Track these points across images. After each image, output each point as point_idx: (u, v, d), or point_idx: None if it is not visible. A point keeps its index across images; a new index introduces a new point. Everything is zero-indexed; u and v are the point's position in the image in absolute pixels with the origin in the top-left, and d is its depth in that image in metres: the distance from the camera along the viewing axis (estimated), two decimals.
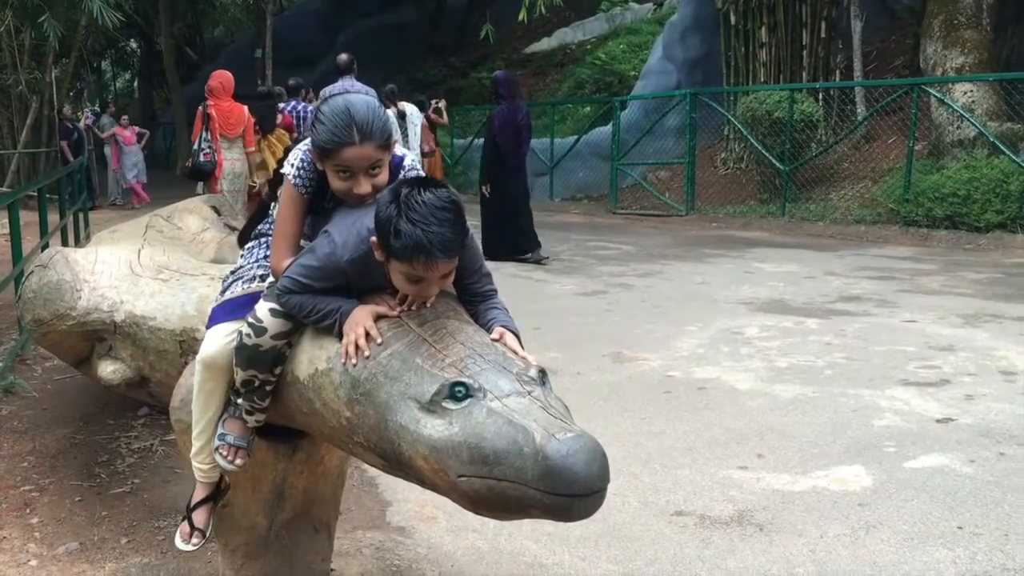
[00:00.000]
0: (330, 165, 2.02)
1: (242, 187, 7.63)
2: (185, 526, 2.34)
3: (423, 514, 3.25)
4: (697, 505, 3.28)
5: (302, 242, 2.17)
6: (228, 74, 7.70)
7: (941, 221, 9.84)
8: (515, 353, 1.82)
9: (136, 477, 3.61)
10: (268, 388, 2.11)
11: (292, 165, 2.13)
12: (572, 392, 4.43)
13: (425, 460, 1.69)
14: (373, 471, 3.37)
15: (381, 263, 1.89)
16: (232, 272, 2.35)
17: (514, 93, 8.84)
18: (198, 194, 6.58)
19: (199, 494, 2.35)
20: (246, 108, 7.68)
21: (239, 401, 2.17)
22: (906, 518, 3.11)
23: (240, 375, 2.10)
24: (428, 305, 1.94)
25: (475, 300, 2.04)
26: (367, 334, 1.85)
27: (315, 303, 1.95)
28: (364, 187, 1.99)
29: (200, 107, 7.64)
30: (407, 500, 3.35)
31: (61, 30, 14.01)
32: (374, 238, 1.86)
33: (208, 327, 2.21)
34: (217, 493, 2.39)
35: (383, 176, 2.02)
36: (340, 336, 1.91)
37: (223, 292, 2.26)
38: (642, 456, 3.74)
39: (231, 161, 7.56)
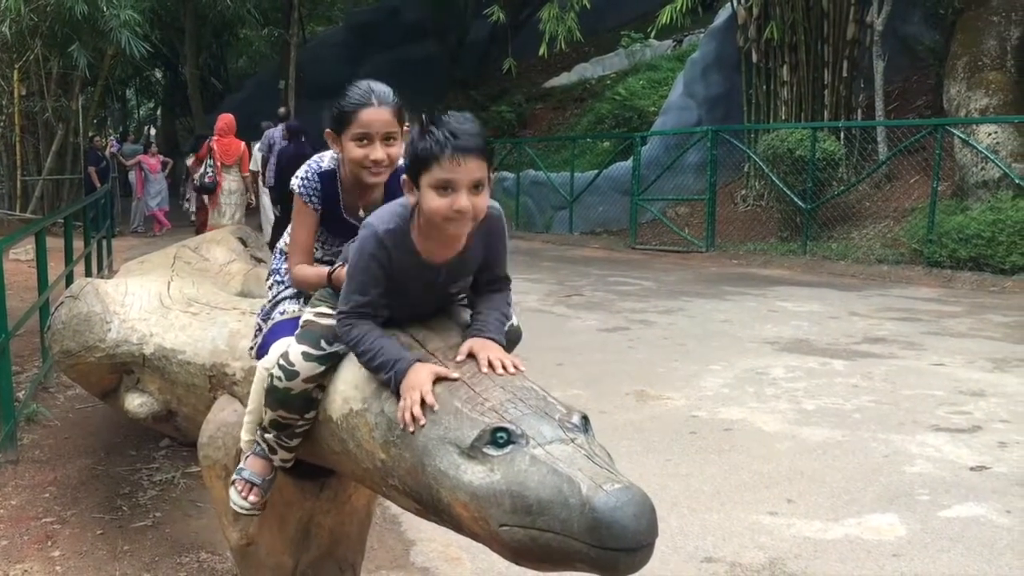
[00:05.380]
0: (348, 135, 2.11)
1: (238, 201, 10.44)
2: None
3: (447, 555, 3.20)
4: (727, 552, 3.21)
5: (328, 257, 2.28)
6: (231, 117, 10.53)
7: (965, 262, 9.74)
8: (496, 365, 1.81)
9: (158, 510, 3.58)
10: (298, 430, 2.07)
11: (298, 178, 2.26)
12: (596, 431, 4.36)
13: (465, 507, 1.65)
14: (397, 508, 3.32)
15: (415, 205, 1.85)
16: (271, 288, 2.40)
17: (300, 136, 10.22)
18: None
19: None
20: (242, 143, 10.38)
21: (266, 436, 2.13)
22: (943, 570, 3.03)
23: (269, 415, 2.07)
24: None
25: (479, 293, 2.05)
26: (423, 401, 1.76)
27: (374, 345, 1.88)
28: (379, 152, 2.10)
29: (207, 141, 10.68)
30: (431, 540, 3.30)
31: (89, 59, 14.22)
32: (405, 176, 1.88)
33: (265, 342, 2.22)
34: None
35: (397, 150, 2.12)
36: (396, 393, 1.84)
37: (275, 305, 2.31)
38: (668, 499, 3.67)
39: (228, 181, 10.35)
